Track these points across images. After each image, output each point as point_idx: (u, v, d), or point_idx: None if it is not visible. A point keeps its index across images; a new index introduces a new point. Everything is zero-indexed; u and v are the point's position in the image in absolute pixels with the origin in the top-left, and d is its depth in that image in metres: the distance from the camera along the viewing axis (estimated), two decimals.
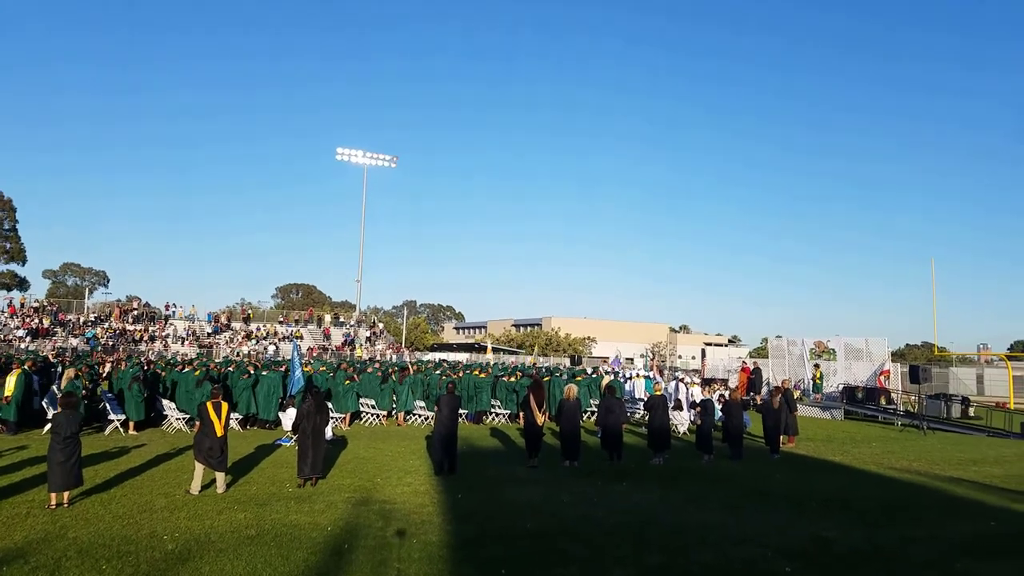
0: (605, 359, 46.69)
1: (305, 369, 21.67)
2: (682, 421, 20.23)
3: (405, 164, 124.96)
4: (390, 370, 23.79)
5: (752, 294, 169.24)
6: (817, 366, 31.96)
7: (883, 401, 28.31)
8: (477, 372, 23.75)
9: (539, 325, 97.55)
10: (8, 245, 56.33)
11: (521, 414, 15.23)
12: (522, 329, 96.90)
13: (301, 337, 47.79)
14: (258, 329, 50.27)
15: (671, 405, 17.37)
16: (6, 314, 44.03)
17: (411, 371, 23.16)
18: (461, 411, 18.70)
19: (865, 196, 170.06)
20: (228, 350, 43.26)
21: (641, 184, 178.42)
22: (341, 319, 58.25)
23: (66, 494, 9.51)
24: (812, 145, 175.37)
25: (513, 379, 22.97)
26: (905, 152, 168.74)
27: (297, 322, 53.81)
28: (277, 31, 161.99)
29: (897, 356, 68.82)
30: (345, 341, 50.39)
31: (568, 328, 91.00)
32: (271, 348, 45.03)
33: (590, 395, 23.17)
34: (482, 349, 66.39)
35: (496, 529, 8.96)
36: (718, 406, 17.93)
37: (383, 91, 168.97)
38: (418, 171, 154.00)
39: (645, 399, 19.43)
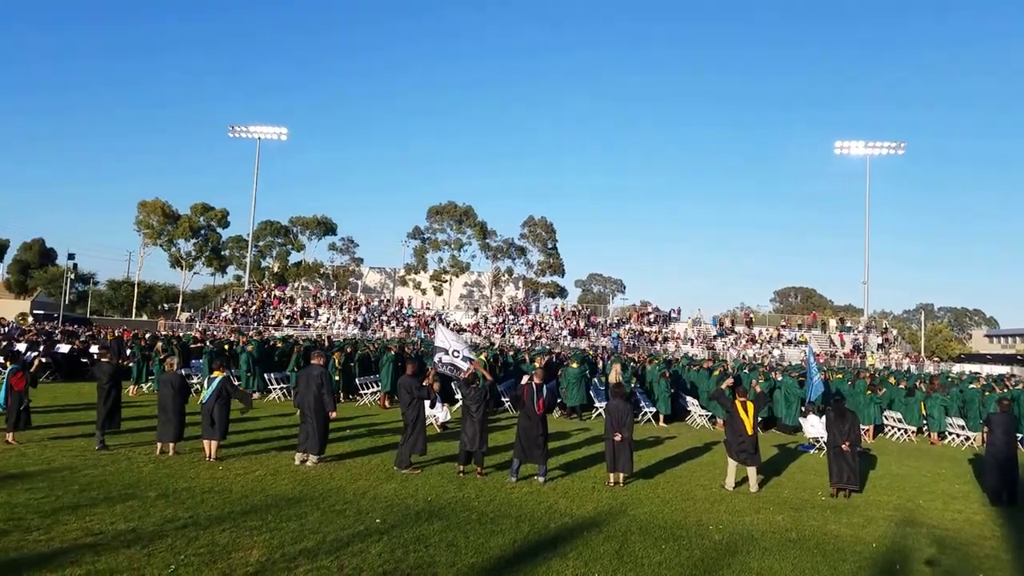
0: None
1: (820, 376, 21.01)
2: None
3: (914, 150, 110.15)
4: (917, 382, 21.39)
5: None
6: None
7: None
8: None
9: None
10: (551, 260, 68.97)
11: None
12: None
13: (806, 342, 46.39)
14: (760, 333, 50.64)
15: None
16: (552, 317, 54.01)
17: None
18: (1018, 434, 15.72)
19: None
20: (734, 352, 44.74)
21: None
22: (848, 324, 54.60)
23: (622, 475, 11.01)
24: None
25: None
26: None
27: (800, 327, 52.46)
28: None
29: None
30: (854, 348, 47.09)
31: None
32: (775, 352, 44.92)
33: None
34: None
35: None
36: None
37: (886, 72, 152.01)
38: (931, 157, 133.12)
39: None
